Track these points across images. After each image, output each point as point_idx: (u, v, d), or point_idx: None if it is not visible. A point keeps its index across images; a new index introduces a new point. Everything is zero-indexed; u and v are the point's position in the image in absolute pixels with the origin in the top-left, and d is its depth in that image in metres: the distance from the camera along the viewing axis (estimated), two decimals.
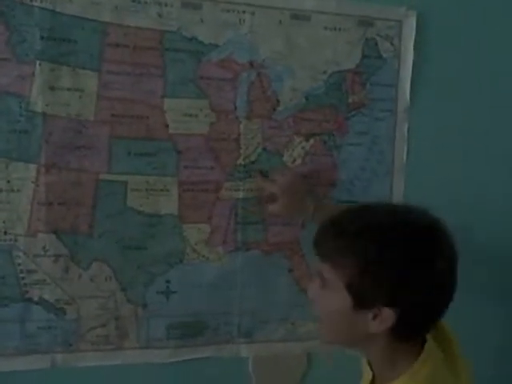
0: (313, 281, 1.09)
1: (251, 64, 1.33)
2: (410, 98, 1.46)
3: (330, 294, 1.03)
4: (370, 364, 1.12)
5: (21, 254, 1.25)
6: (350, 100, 1.41)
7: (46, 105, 1.21)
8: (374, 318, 0.99)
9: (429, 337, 1.07)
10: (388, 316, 0.98)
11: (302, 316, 1.44)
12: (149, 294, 1.34)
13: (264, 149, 1.37)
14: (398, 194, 1.48)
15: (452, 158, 1.52)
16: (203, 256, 1.36)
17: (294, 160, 1.39)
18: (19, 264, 1.25)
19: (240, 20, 1.31)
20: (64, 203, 1.25)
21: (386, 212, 1.05)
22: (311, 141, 1.40)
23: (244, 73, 1.32)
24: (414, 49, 1.44)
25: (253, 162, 1.36)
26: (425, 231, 1.01)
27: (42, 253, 1.26)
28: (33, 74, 1.19)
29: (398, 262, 0.97)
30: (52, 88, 1.21)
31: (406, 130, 1.47)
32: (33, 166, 1.22)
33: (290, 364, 1.48)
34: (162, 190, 1.31)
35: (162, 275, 1.34)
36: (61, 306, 1.29)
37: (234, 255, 1.38)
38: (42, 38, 1.19)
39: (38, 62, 1.19)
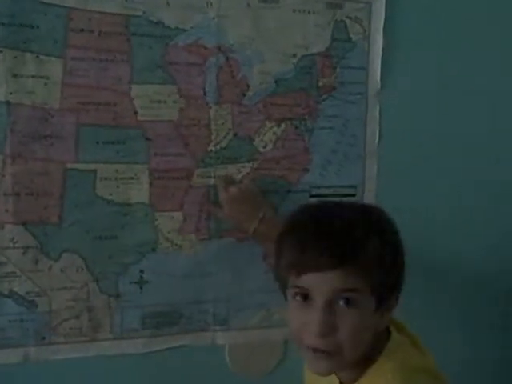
0: (320, 310, 0.96)
1: (219, 48, 1.31)
2: (381, 81, 1.45)
3: (360, 308, 0.97)
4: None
5: None
6: (321, 84, 1.41)
7: (10, 93, 1.18)
8: (387, 311, 1.02)
9: (392, 329, 1.08)
10: (395, 304, 1.03)
11: (278, 302, 1.42)
12: (122, 284, 1.32)
13: (235, 134, 1.35)
14: (370, 178, 1.47)
15: (424, 141, 1.52)
16: (176, 244, 1.35)
17: (266, 145, 1.38)
18: None
19: (207, 3, 1.29)
20: (31, 194, 1.23)
21: (352, 209, 1.07)
22: (282, 126, 1.39)
23: (212, 57, 1.31)
24: (383, 31, 1.43)
25: (224, 148, 1.35)
26: (392, 221, 1.05)
27: (11, 245, 1.23)
28: None
29: (400, 248, 1.03)
30: (15, 75, 1.18)
31: (377, 113, 1.46)
32: None
33: (266, 351, 1.48)
34: (132, 179, 1.29)
35: (134, 265, 1.32)
36: (32, 298, 1.27)
37: (207, 243, 1.37)
38: (2, 24, 1.15)
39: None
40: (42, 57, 1.19)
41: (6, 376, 1.29)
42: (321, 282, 0.95)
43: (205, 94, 1.32)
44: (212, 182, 1.35)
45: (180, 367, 1.41)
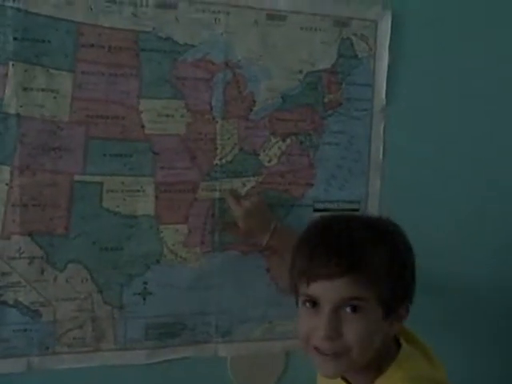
0: (326, 316, 1.00)
1: (227, 64, 1.33)
2: (386, 98, 1.46)
3: (366, 315, 1.00)
4: (344, 379, 1.11)
5: None
6: (326, 100, 1.42)
7: (20, 106, 1.20)
8: (396, 319, 1.04)
9: (402, 339, 1.10)
10: (406, 315, 1.05)
11: (280, 315, 1.44)
12: (126, 295, 1.33)
13: (240, 149, 1.37)
14: (374, 193, 1.48)
15: (428, 157, 1.52)
16: (180, 257, 1.36)
17: (270, 160, 1.39)
18: None
19: (215, 20, 1.31)
20: (39, 205, 1.24)
21: (367, 220, 1.09)
22: (288, 141, 1.40)
23: (220, 73, 1.32)
24: (389, 48, 1.44)
25: (229, 162, 1.36)
26: (401, 232, 1.07)
27: (17, 255, 1.24)
28: (6, 74, 1.18)
29: (410, 261, 1.05)
30: (26, 89, 1.20)
31: (382, 129, 1.47)
32: (6, 168, 1.21)
33: (268, 363, 1.48)
34: (138, 191, 1.30)
35: (139, 276, 1.33)
36: (36, 308, 1.28)
37: (211, 256, 1.38)
38: (15, 38, 1.17)
39: (11, 63, 1.18)
40: (52, 71, 1.21)
41: None
42: (328, 290, 0.99)
43: (211, 108, 1.33)
44: (217, 195, 1.36)
45: (183, 378, 1.42)
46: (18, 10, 1.17)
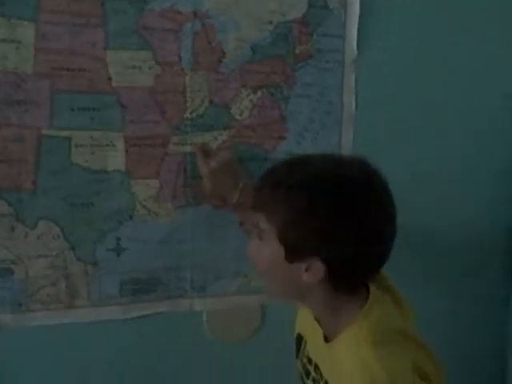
0: (251, 240, 1.10)
1: (195, 14, 1.30)
2: (358, 49, 1.45)
3: (265, 245, 1.04)
4: (317, 321, 1.13)
5: None
6: (297, 51, 1.40)
7: None
8: (307, 269, 1.00)
9: (374, 288, 1.08)
10: (318, 268, 0.99)
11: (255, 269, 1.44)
12: (99, 251, 1.33)
13: (211, 102, 1.35)
14: (346, 145, 1.48)
15: (400, 108, 1.52)
16: (153, 212, 1.35)
17: (242, 113, 1.38)
18: None
19: None
20: (5, 160, 1.22)
21: (324, 163, 1.04)
22: (259, 93, 1.39)
23: (188, 23, 1.30)
24: None
25: (200, 116, 1.35)
26: (360, 182, 1.00)
27: None
28: None
29: (328, 213, 0.97)
30: None
31: (353, 80, 1.46)
32: None
33: (244, 317, 1.49)
34: (107, 146, 1.29)
35: (111, 232, 1.33)
36: (8, 266, 1.27)
37: (183, 210, 1.37)
38: None
39: None
40: (13, 20, 1.18)
41: None
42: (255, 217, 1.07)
43: (180, 60, 1.31)
44: (188, 149, 1.35)
45: (158, 334, 1.43)
46: None
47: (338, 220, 0.98)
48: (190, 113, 1.34)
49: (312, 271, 1.00)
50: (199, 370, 1.48)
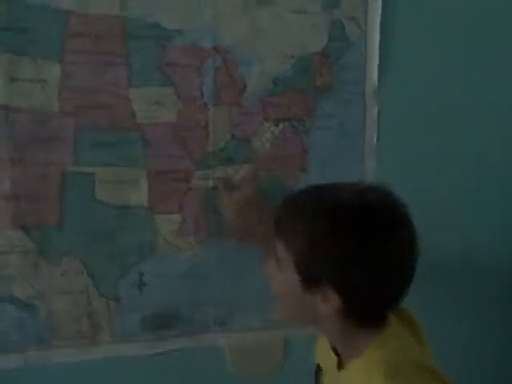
0: (270, 259, 1.10)
1: (216, 49, 1.30)
2: (379, 80, 1.44)
3: (282, 273, 1.05)
4: (333, 348, 1.11)
5: None
6: (318, 83, 1.40)
7: (8, 97, 1.18)
8: (323, 299, 0.99)
9: (393, 318, 1.06)
10: (333, 298, 0.98)
11: None
12: (121, 287, 1.32)
13: (232, 135, 1.35)
14: (368, 177, 1.47)
15: (423, 139, 1.51)
16: (175, 246, 1.34)
17: (263, 145, 1.38)
18: None
19: (204, 4, 1.28)
20: (31, 197, 1.23)
21: (343, 192, 1.02)
22: (280, 125, 1.39)
23: (209, 58, 1.30)
24: (380, 29, 1.42)
25: (222, 150, 1.35)
26: (380, 211, 0.98)
27: (10, 249, 1.23)
28: None
29: (343, 241, 0.95)
30: (13, 79, 1.18)
31: (375, 112, 1.46)
32: None
33: (267, 352, 1.48)
34: (130, 181, 1.29)
35: (134, 267, 1.32)
36: (32, 302, 1.27)
37: (206, 245, 1.37)
38: (1, 27, 1.16)
39: None
40: (39, 60, 1.19)
41: (8, 381, 1.29)
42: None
43: (202, 95, 1.31)
44: (211, 183, 1.35)
45: (180, 369, 1.42)
46: None
47: (355, 250, 0.95)
48: (213, 147, 1.34)
49: (327, 301, 0.99)
50: None
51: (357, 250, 0.95)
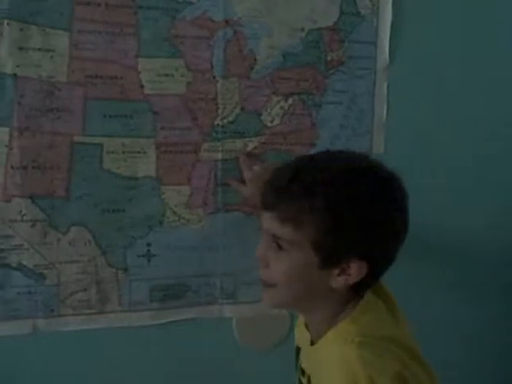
0: (263, 241, 1.04)
1: (227, 22, 1.30)
2: (390, 56, 1.44)
3: (290, 256, 0.99)
4: (306, 326, 1.12)
5: None
6: (329, 58, 1.40)
7: (17, 66, 1.18)
8: (340, 273, 0.99)
9: (369, 294, 1.06)
10: (360, 269, 0.98)
11: None
12: (129, 257, 1.33)
13: (242, 108, 1.35)
14: (377, 153, 1.46)
15: (432, 116, 1.50)
16: (183, 218, 1.35)
17: (273, 120, 1.38)
18: None
19: None
20: (39, 167, 1.23)
21: (347, 163, 1.02)
22: (290, 100, 1.38)
23: (220, 31, 1.30)
24: (392, 5, 1.41)
25: (231, 123, 1.35)
26: (386, 182, 1.01)
27: (19, 218, 1.24)
28: (1, 34, 1.16)
29: (367, 213, 0.96)
30: (21, 48, 1.18)
31: (385, 87, 1.45)
32: (5, 130, 1.20)
33: (273, 323, 1.48)
34: (138, 152, 1.29)
35: (142, 238, 1.33)
36: (40, 271, 1.28)
37: (214, 217, 1.37)
38: None
39: (5, 22, 1.16)
40: (48, 29, 1.19)
41: (16, 347, 1.31)
42: (263, 219, 1.03)
43: (212, 67, 1.31)
44: (220, 156, 1.35)
45: (188, 340, 1.43)
46: None
47: (379, 219, 0.98)
48: (221, 119, 1.34)
49: (348, 273, 0.98)
50: (228, 376, 1.47)
51: (380, 218, 0.98)
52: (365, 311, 1.02)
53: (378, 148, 1.46)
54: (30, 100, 1.20)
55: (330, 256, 0.98)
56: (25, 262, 1.26)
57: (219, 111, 1.33)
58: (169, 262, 1.36)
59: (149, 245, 1.34)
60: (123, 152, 1.28)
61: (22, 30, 1.17)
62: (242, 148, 1.37)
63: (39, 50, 1.19)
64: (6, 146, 1.20)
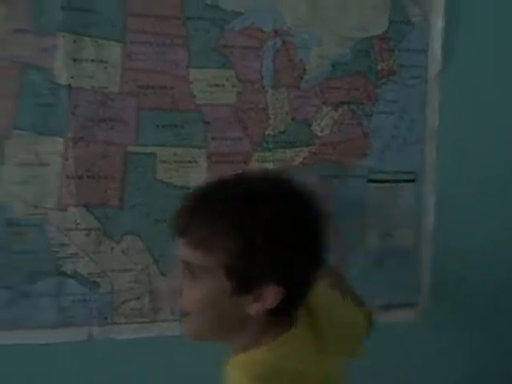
0: (179, 269, 0.96)
1: (276, 32, 1.31)
2: (441, 64, 1.42)
3: (202, 283, 0.92)
4: None
5: (53, 228, 1.26)
6: (379, 67, 1.39)
7: (71, 77, 1.22)
8: (255, 299, 0.92)
9: (301, 322, 1.01)
10: (275, 294, 0.91)
11: None
12: None
13: (292, 119, 1.36)
14: (430, 163, 1.45)
15: (485, 124, 1.48)
16: None
17: (323, 129, 1.38)
18: (52, 238, 1.27)
19: None
20: (93, 176, 1.26)
21: (256, 184, 0.95)
22: (340, 110, 1.38)
23: (269, 41, 1.31)
24: (444, 12, 1.40)
25: (282, 132, 1.35)
26: (300, 207, 0.94)
27: (74, 226, 1.27)
28: (55, 45, 1.20)
29: (281, 238, 0.90)
30: (75, 60, 1.22)
31: (437, 96, 1.44)
32: (60, 140, 1.23)
33: None
34: (190, 162, 1.31)
35: None
36: (94, 279, 1.30)
37: None
38: (62, 8, 1.19)
39: (60, 34, 1.20)
40: (100, 41, 1.22)
41: (71, 354, 1.33)
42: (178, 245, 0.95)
43: (262, 77, 1.32)
44: (270, 166, 1.35)
45: None
46: None
47: (292, 242, 0.91)
48: (272, 130, 1.35)
49: (264, 299, 0.92)
50: None
51: (293, 243, 0.91)
52: (285, 341, 0.97)
53: (430, 159, 1.45)
54: (84, 110, 1.24)
55: (243, 282, 0.91)
56: (80, 270, 1.29)
57: (270, 121, 1.34)
58: None
59: None
60: (175, 162, 1.30)
61: (75, 41, 1.21)
62: (292, 158, 1.37)
63: (92, 61, 1.23)
64: (61, 156, 1.24)
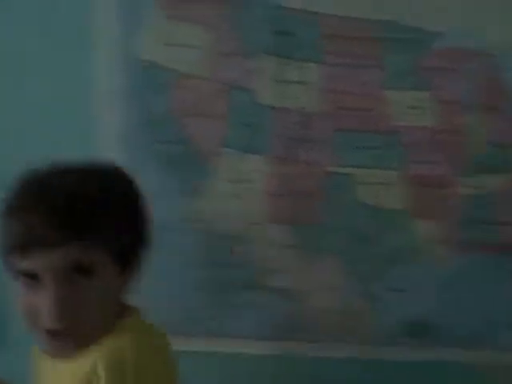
0: (61, 282, 0.89)
1: (477, 52, 1.28)
2: None
3: (98, 279, 0.90)
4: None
5: (255, 242, 1.32)
6: None
7: (274, 98, 1.28)
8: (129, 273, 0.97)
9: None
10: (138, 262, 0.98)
11: None
12: (378, 289, 1.33)
13: (493, 143, 1.30)
14: None
15: None
16: (431, 254, 1.32)
17: None
18: (255, 252, 1.33)
19: (467, 4, 1.27)
20: (295, 195, 1.31)
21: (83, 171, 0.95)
22: None
23: (470, 62, 1.29)
24: None
25: (482, 157, 1.31)
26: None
27: (276, 242, 1.32)
28: (260, 67, 1.28)
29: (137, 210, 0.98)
30: (278, 81, 1.28)
31: None
32: (263, 158, 1.30)
33: None
34: (388, 184, 1.31)
35: (391, 271, 1.33)
36: (292, 294, 1.33)
37: (464, 256, 1.32)
38: (269, 32, 1.27)
39: (265, 56, 1.27)
40: (302, 63, 1.28)
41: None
42: (49, 260, 0.87)
43: (461, 99, 1.29)
44: (471, 191, 1.31)
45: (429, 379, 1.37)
46: (272, 4, 1.27)
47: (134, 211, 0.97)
48: (472, 154, 1.31)
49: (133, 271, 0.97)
50: None
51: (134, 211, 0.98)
52: (129, 328, 0.95)
53: None
54: (286, 130, 1.29)
55: (127, 259, 0.96)
56: (279, 285, 1.33)
57: (469, 145, 1.31)
58: (416, 299, 1.33)
59: (397, 279, 1.33)
60: (373, 183, 1.31)
61: (279, 63, 1.28)
62: (494, 184, 1.31)
63: (295, 82, 1.28)
64: (264, 173, 1.30)
